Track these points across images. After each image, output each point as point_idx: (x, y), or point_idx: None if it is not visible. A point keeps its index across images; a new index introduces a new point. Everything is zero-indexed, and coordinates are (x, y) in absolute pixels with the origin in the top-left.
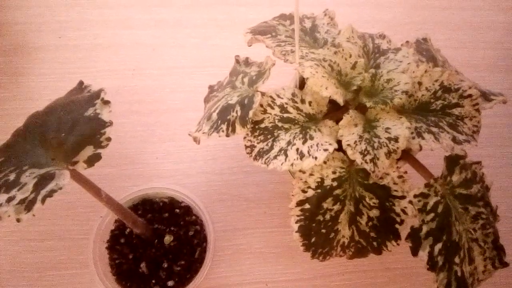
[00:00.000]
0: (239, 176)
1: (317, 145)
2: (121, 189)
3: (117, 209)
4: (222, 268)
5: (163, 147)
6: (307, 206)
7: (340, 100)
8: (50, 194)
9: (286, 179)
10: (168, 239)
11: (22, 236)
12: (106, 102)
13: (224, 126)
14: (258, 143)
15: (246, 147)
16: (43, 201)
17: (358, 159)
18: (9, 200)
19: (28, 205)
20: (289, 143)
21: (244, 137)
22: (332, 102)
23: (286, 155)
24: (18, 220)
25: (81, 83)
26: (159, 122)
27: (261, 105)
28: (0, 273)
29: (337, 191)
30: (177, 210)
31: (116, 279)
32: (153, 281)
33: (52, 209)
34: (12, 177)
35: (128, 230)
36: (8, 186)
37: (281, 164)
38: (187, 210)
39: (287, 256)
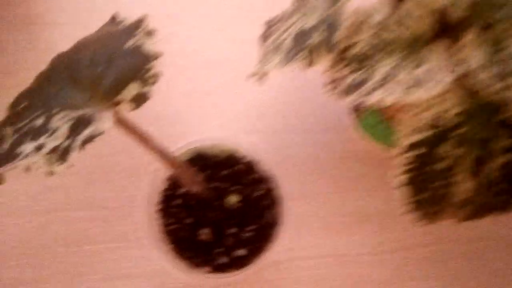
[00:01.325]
0: (301, 135)
1: (431, 72)
2: None
3: (172, 162)
4: (287, 240)
5: (211, 101)
6: (418, 151)
7: (457, 13)
8: (90, 139)
9: (355, 138)
10: (232, 199)
11: (48, 207)
12: (150, 32)
13: (303, 54)
14: (348, 73)
15: (329, 82)
16: (81, 147)
17: (487, 87)
18: (38, 148)
19: (62, 153)
20: (393, 69)
21: (327, 70)
22: (441, 21)
23: (391, 85)
24: (50, 174)
25: (114, 17)
26: (206, 75)
27: (352, 26)
28: (23, 248)
29: (459, 131)
30: (239, 167)
31: (173, 249)
32: (218, 249)
33: (83, 174)
34: (39, 121)
35: (182, 190)
36: (35, 132)
37: (386, 96)
38: (250, 167)
39: (362, 225)
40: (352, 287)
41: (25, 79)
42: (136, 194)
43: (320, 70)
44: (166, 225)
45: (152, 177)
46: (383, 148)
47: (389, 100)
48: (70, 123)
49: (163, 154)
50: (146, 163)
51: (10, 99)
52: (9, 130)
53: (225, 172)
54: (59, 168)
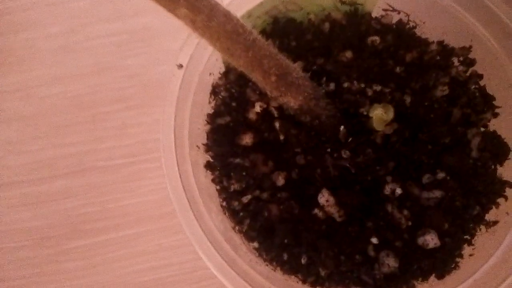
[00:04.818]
0: None
1: None
2: None
3: (229, 29)
4: None
5: None
6: None
7: None
8: None
9: None
10: (380, 116)
11: None
12: None
13: None
14: None
15: None
16: None
17: None
18: None
19: None
20: None
21: None
22: None
23: None
24: None
25: None
26: None
27: None
28: None
29: None
30: (375, 40)
31: (259, 252)
32: (368, 239)
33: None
34: None
35: (254, 110)
36: None
37: None
38: (401, 31)
39: None
40: None
41: None
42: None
43: None
44: (230, 194)
45: (179, 77)
46: None
47: None
48: None
49: (196, 2)
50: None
51: None
52: None
53: (348, 55)
54: None
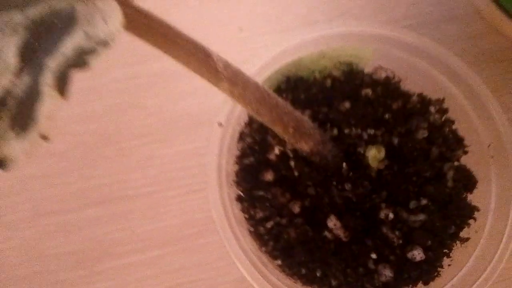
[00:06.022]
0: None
1: None
2: None
3: (258, 96)
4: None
5: None
6: None
7: None
8: (77, 64)
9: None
10: (372, 155)
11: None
12: None
13: None
14: None
15: None
16: (61, 85)
17: None
18: None
19: (20, 110)
20: None
21: None
22: None
23: None
24: (4, 164)
25: None
26: None
27: None
28: None
29: None
30: (367, 92)
31: (282, 267)
32: (368, 254)
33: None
34: None
35: (273, 152)
36: None
37: None
38: (388, 85)
39: None
40: None
41: None
42: (186, 166)
43: None
44: (256, 221)
45: (219, 132)
46: None
47: None
48: (20, 37)
49: (236, 82)
50: (198, 106)
51: None
52: None
53: (346, 105)
54: (21, 147)
